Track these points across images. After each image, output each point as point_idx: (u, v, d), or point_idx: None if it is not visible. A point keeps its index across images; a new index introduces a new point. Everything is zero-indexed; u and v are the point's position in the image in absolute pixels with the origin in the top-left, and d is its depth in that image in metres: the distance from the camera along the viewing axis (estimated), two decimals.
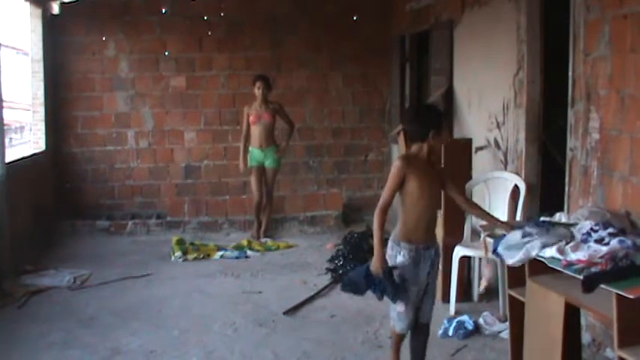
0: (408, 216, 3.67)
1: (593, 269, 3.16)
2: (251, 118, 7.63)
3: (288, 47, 8.65)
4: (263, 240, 7.60)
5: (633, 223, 3.76)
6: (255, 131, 7.64)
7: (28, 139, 9.63)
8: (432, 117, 3.69)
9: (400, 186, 3.60)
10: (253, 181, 7.72)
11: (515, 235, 3.64)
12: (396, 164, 3.61)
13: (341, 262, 6.45)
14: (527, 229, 3.65)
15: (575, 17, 4.43)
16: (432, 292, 3.85)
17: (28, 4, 7.69)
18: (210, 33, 8.50)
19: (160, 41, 8.49)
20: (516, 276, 3.76)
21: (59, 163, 8.34)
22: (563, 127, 4.68)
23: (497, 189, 5.29)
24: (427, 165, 3.67)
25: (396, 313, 3.79)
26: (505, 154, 5.51)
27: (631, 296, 2.87)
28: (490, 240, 3.83)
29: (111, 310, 5.34)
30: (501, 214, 5.15)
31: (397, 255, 3.69)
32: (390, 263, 3.68)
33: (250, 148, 7.68)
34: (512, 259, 3.58)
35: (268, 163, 7.71)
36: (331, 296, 5.69)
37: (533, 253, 3.47)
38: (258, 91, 7.56)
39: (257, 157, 7.67)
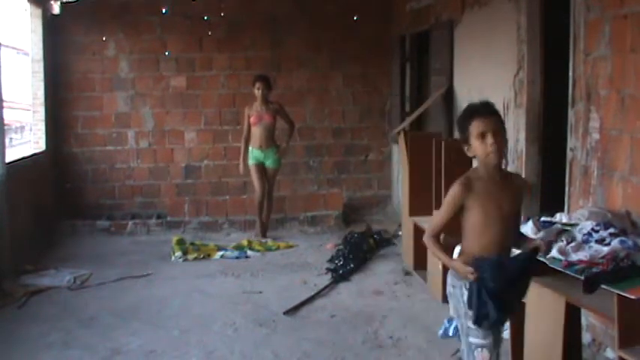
0: (471, 246, 2.95)
1: (595, 270, 3.16)
2: (252, 119, 7.57)
3: (288, 47, 8.65)
4: (264, 240, 7.59)
5: (634, 223, 3.75)
6: (256, 132, 7.57)
7: (28, 139, 9.64)
8: (470, 111, 2.94)
9: (457, 213, 2.94)
10: (254, 177, 7.64)
11: None
12: (452, 190, 2.94)
13: (341, 262, 6.45)
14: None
15: (575, 17, 4.43)
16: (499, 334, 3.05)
17: (28, 4, 7.69)
18: (210, 33, 8.51)
19: (160, 41, 8.49)
20: None
21: (59, 163, 8.34)
22: (564, 127, 4.68)
23: None
24: (497, 182, 2.93)
25: None
26: (505, 155, 5.50)
27: (632, 297, 2.87)
28: None
29: (111, 310, 5.34)
30: None
31: (463, 292, 2.94)
32: (454, 305, 3.06)
33: (250, 148, 7.62)
34: None
35: (268, 164, 7.66)
36: (331, 296, 5.69)
37: None
38: (258, 92, 7.50)
39: (257, 157, 7.61)
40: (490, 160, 2.88)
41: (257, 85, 7.49)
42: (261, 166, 7.64)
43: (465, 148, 2.93)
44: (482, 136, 2.86)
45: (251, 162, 7.64)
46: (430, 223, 3.08)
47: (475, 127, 2.87)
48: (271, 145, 7.63)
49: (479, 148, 2.88)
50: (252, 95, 7.67)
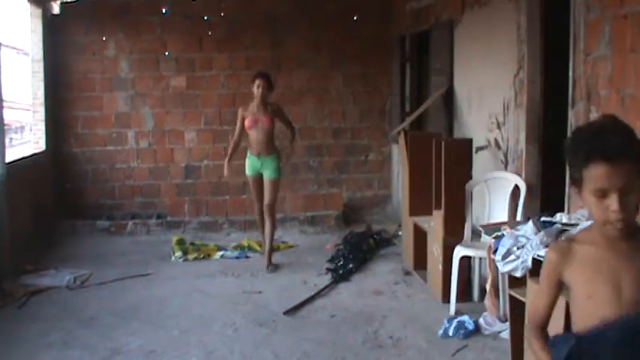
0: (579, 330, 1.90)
1: None
2: (247, 122, 6.54)
3: (288, 47, 8.65)
4: (271, 268, 6.53)
5: None
6: (252, 136, 6.57)
7: (28, 139, 9.66)
8: (589, 148, 1.75)
9: (559, 289, 1.95)
10: (253, 192, 6.77)
11: (510, 240, 3.64)
12: (545, 258, 2.01)
13: (341, 262, 6.45)
14: (521, 232, 3.66)
15: (575, 17, 4.42)
16: None
17: (28, 4, 7.69)
18: (210, 33, 8.50)
19: (160, 41, 8.49)
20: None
21: (59, 163, 8.34)
22: (564, 128, 4.68)
23: (498, 189, 5.29)
24: (618, 249, 1.82)
25: None
26: (505, 154, 5.51)
27: None
28: (492, 240, 3.84)
29: (111, 310, 5.34)
30: (502, 214, 5.16)
31: None
32: None
33: (248, 154, 6.68)
34: (506, 268, 3.63)
35: (268, 174, 6.58)
36: (331, 296, 5.69)
37: (529, 263, 3.49)
38: (257, 90, 6.47)
39: (254, 166, 6.62)
40: (609, 230, 1.79)
41: (257, 82, 6.49)
42: (259, 179, 6.65)
43: (575, 190, 1.86)
44: (601, 194, 1.75)
45: (249, 173, 6.70)
46: (530, 310, 2.18)
47: (593, 177, 1.74)
48: (271, 152, 6.60)
49: (594, 208, 1.78)
50: (252, 95, 6.81)
